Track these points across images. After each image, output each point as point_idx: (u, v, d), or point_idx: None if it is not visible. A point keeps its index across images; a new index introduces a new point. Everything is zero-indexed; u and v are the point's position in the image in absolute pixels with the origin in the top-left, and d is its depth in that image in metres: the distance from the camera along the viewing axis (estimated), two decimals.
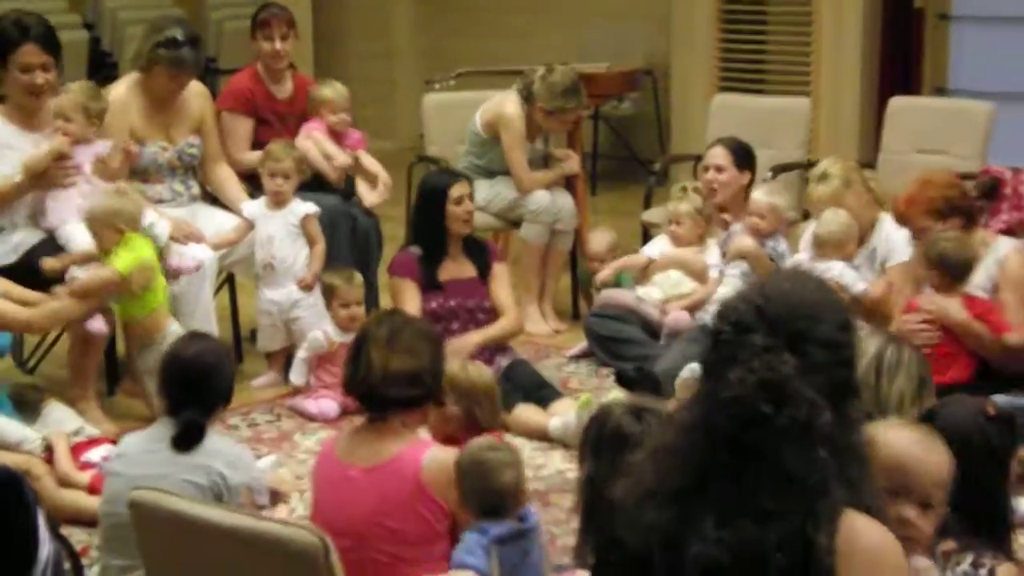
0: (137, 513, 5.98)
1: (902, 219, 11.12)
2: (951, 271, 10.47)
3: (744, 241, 11.91)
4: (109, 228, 10.58)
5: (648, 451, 4.89)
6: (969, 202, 11.09)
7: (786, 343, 4.50)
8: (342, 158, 12.79)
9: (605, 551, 4.93)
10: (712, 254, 12.46)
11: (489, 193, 13.27)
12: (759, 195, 12.26)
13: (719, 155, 12.68)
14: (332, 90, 13.11)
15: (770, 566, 4.30)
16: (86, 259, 10.83)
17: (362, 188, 13.08)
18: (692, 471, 4.51)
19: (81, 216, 11.11)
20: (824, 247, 11.45)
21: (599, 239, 12.73)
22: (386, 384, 7.01)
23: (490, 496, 6.85)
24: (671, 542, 4.40)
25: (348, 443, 7.24)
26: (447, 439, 7.58)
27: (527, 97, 13.45)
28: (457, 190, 11.65)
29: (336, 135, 12.90)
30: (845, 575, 4.37)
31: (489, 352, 11.43)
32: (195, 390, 7.72)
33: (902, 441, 5.41)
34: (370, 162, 13.13)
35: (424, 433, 7.50)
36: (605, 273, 12.58)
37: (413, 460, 6.88)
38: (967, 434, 6.04)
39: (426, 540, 6.93)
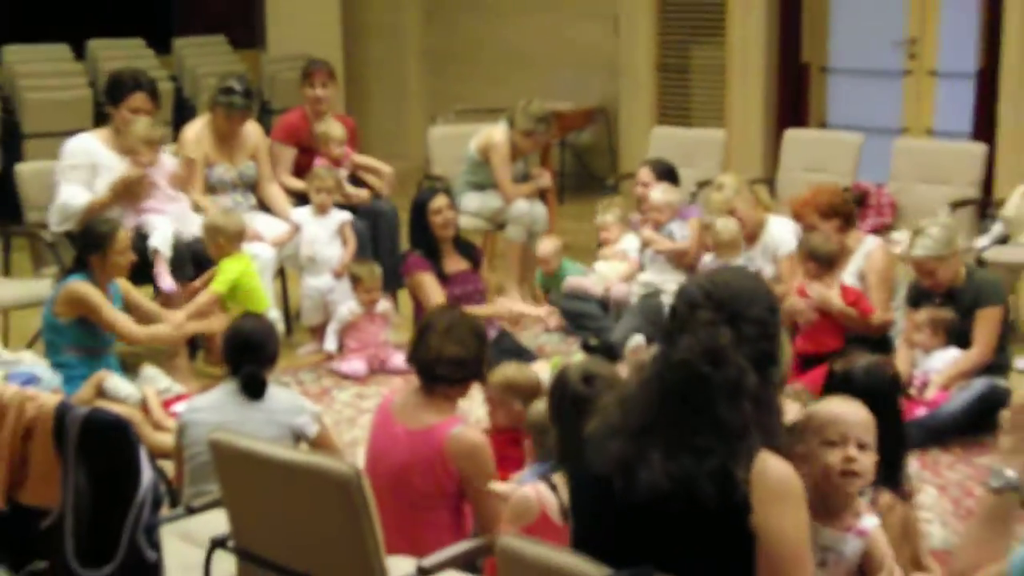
0: (216, 451, 6.04)
1: (797, 217, 11.48)
2: (819, 261, 10.71)
3: (645, 233, 12.29)
4: (212, 241, 10.93)
5: (615, 397, 5.02)
6: (848, 207, 11.19)
7: (725, 319, 4.72)
8: (361, 195, 13.07)
9: (577, 478, 5.03)
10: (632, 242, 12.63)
11: (481, 202, 13.32)
12: (656, 195, 12.45)
13: (644, 174, 12.91)
14: (332, 127, 13.16)
15: (700, 492, 4.43)
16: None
17: (373, 182, 13.28)
18: (647, 415, 4.67)
19: (175, 219, 11.47)
20: (722, 248, 11.61)
21: (546, 245, 12.79)
22: (439, 364, 7.10)
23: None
24: (628, 469, 4.55)
25: (402, 404, 7.25)
26: (512, 433, 7.72)
27: (511, 123, 13.48)
28: (435, 203, 11.73)
29: (337, 161, 12.96)
30: (756, 501, 4.46)
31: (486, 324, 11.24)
32: (250, 354, 7.81)
33: (835, 404, 5.73)
34: (367, 161, 13.39)
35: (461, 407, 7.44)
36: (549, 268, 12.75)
37: (442, 433, 6.89)
38: (879, 385, 6.63)
39: (437, 496, 6.94)
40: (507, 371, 7.65)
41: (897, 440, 6.67)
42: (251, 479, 5.91)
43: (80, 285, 9.77)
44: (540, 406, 7.64)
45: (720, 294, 4.76)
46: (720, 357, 4.57)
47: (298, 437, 7.55)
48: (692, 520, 4.46)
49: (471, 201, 13.32)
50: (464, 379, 7.21)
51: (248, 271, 11.12)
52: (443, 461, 6.82)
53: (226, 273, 10.97)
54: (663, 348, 4.80)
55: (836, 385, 6.94)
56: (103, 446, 5.92)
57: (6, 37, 16.32)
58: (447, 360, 7.07)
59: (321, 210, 12.18)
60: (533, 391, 7.46)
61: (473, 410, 9.22)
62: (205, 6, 18.36)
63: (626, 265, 12.40)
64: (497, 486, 6.72)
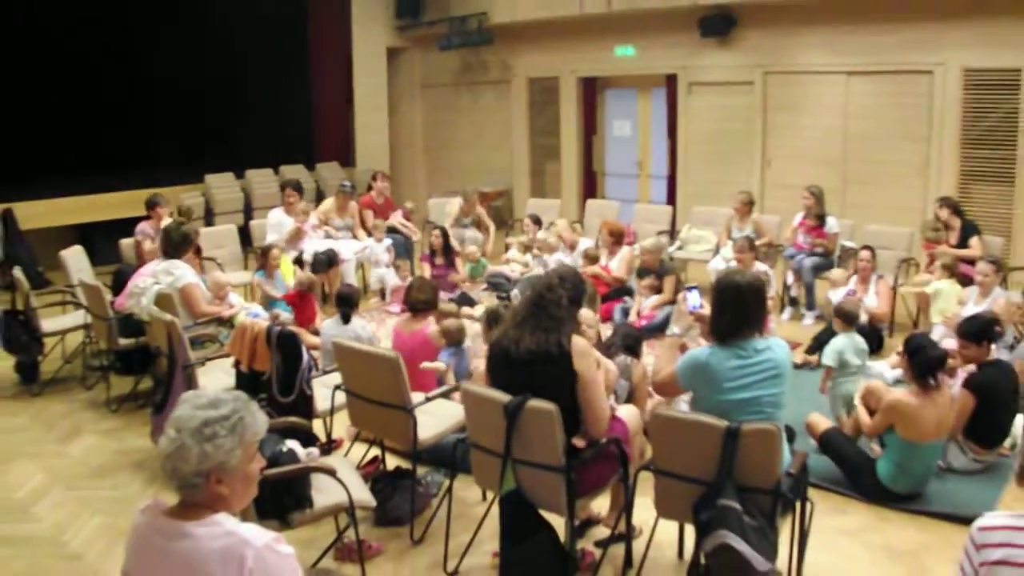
0: (335, 346, 6.13)
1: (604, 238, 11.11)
2: (605, 248, 10.38)
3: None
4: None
5: (509, 313, 5.10)
6: (620, 231, 11.17)
7: (561, 283, 4.81)
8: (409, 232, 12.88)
9: (492, 352, 4.88)
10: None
11: (457, 235, 12.65)
12: (540, 235, 12.17)
13: (527, 221, 12.53)
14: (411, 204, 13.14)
15: (549, 350, 4.61)
16: None
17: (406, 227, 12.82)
18: (523, 315, 4.76)
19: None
20: (546, 249, 11.48)
21: (469, 251, 12.40)
22: (417, 303, 7.18)
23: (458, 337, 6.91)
24: (515, 343, 4.64)
25: (404, 322, 7.36)
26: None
27: (463, 198, 13.21)
28: (435, 234, 11.73)
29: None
30: (573, 356, 4.62)
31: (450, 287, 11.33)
32: (345, 303, 7.86)
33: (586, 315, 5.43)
34: (401, 219, 12.94)
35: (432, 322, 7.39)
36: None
37: (424, 331, 6.99)
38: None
39: (427, 359, 6.87)
40: (447, 322, 7.31)
41: (636, 339, 6.80)
42: (349, 358, 6.00)
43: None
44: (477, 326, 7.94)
45: (562, 275, 4.88)
46: (553, 291, 4.73)
47: (360, 340, 7.34)
48: (547, 365, 4.59)
49: (453, 235, 12.36)
50: (426, 310, 7.34)
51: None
52: (428, 343, 7.03)
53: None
54: (537, 286, 4.90)
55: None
56: (285, 343, 6.10)
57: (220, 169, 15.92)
58: (419, 301, 7.26)
59: (378, 239, 11.94)
60: (458, 331, 7.26)
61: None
62: (329, 147, 18.18)
63: (523, 266, 11.92)
64: (426, 364, 6.88)
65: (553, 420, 4.50)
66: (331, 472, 4.81)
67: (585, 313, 5.88)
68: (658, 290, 10.10)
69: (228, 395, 2.87)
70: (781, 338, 4.86)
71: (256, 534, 2.76)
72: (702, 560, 4.56)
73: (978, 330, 6.69)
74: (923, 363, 6.03)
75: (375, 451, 6.64)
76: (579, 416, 4.76)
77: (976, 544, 3.00)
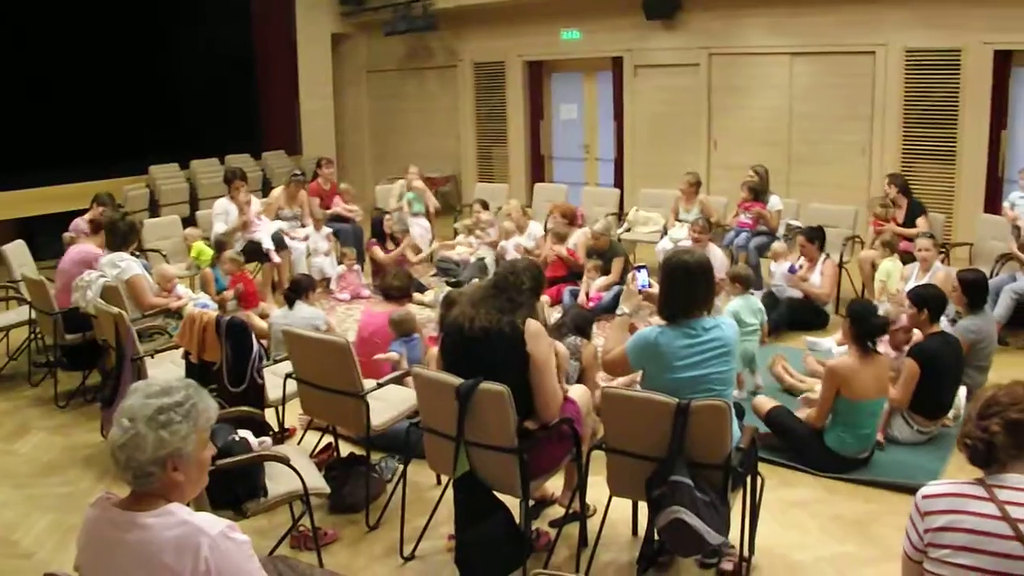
0: (285, 334, 6.07)
1: (551, 216, 11.15)
2: (560, 237, 10.73)
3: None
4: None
5: (466, 295, 5.20)
6: (572, 213, 11.19)
7: (524, 270, 4.88)
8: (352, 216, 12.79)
9: (447, 331, 4.91)
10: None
11: (400, 220, 12.33)
12: (485, 216, 12.18)
13: (477, 205, 12.35)
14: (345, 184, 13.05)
15: (502, 330, 4.62)
16: None
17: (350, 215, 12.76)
18: (479, 296, 4.80)
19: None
20: (510, 234, 11.37)
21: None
22: (388, 289, 7.31)
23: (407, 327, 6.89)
24: (470, 321, 4.65)
25: (372, 307, 7.59)
26: None
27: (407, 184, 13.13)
28: (386, 219, 11.60)
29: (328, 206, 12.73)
30: (527, 337, 4.62)
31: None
32: (292, 290, 7.92)
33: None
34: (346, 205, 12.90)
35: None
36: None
37: (386, 316, 6.94)
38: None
39: (386, 343, 6.90)
40: (395, 312, 7.20)
41: (586, 320, 6.87)
42: (299, 346, 5.96)
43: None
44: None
45: (518, 265, 4.95)
46: (516, 275, 4.77)
47: (317, 328, 7.40)
48: (499, 343, 4.60)
49: (398, 222, 12.12)
50: (401, 297, 7.35)
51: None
52: (385, 328, 7.00)
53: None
54: (498, 272, 5.00)
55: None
56: (235, 333, 6.13)
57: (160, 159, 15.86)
58: (391, 287, 7.28)
59: (317, 228, 11.85)
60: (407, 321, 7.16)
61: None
62: (275, 134, 18.08)
63: (468, 247, 11.93)
64: (378, 356, 6.82)
65: (505, 402, 4.51)
66: (284, 460, 4.77)
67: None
68: (606, 271, 10.16)
69: (179, 382, 2.88)
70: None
71: (211, 522, 2.77)
72: (655, 536, 4.61)
73: (929, 296, 6.88)
74: (863, 329, 6.26)
75: (328, 439, 6.62)
76: (531, 397, 4.77)
77: (921, 511, 3.09)
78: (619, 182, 15.40)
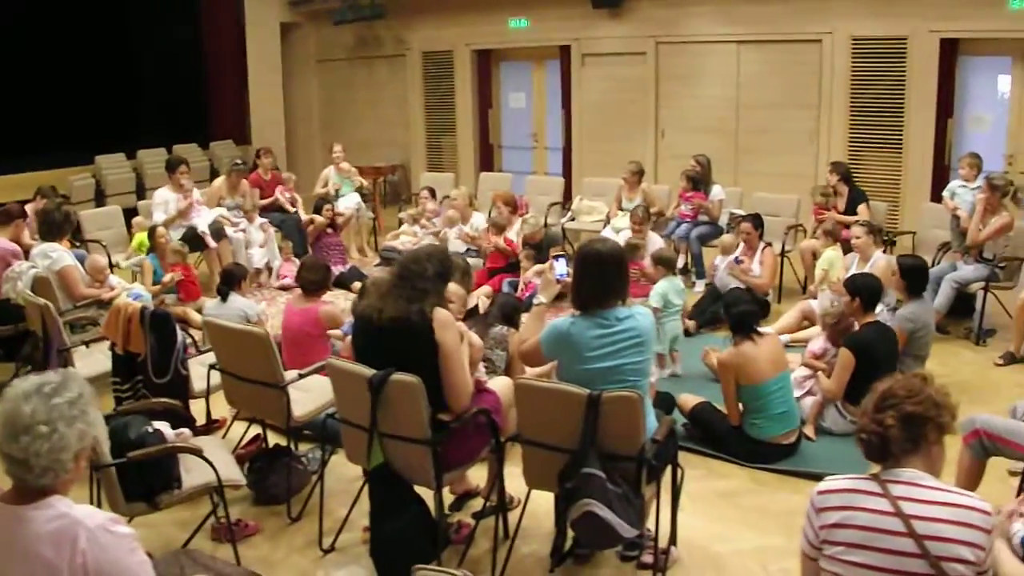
0: (207, 325, 6.19)
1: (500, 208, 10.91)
2: (498, 227, 10.64)
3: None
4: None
5: (374, 285, 5.01)
6: (513, 201, 11.02)
7: (428, 257, 4.76)
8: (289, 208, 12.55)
9: (357, 322, 4.87)
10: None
11: (351, 202, 12.76)
12: (431, 205, 12.22)
13: (424, 193, 12.39)
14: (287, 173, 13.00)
15: (411, 320, 4.54)
16: None
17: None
18: (388, 286, 4.70)
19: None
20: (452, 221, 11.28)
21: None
22: (307, 283, 7.02)
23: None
24: (378, 312, 4.60)
25: (295, 301, 7.15)
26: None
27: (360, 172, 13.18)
28: (324, 208, 11.52)
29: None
30: (435, 327, 4.56)
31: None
32: (224, 281, 7.76)
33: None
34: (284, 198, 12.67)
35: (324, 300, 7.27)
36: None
37: (316, 309, 6.84)
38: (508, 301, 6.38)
39: (316, 337, 6.85)
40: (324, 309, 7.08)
41: (514, 309, 6.81)
42: (221, 337, 5.94)
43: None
44: None
45: (429, 252, 4.88)
46: (419, 263, 4.68)
47: (249, 319, 7.36)
48: (408, 333, 4.54)
49: (344, 202, 12.61)
50: (319, 290, 7.17)
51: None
52: (317, 320, 6.83)
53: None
54: (406, 257, 4.91)
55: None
56: (159, 324, 6.07)
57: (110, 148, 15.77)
58: (310, 281, 7.12)
59: (251, 219, 11.68)
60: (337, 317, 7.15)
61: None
62: (223, 124, 17.98)
63: (413, 237, 11.80)
64: (333, 332, 6.86)
65: (417, 393, 4.47)
66: (197, 452, 4.74)
67: (452, 287, 5.86)
68: (540, 261, 10.04)
69: (53, 376, 2.83)
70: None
71: (90, 515, 2.75)
72: (568, 529, 4.57)
73: (862, 285, 6.92)
74: (737, 318, 6.41)
75: (257, 429, 6.57)
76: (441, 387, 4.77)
77: (816, 508, 3.08)
78: (567, 171, 15.40)
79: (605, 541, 4.40)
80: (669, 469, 4.83)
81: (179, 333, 6.30)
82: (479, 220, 11.39)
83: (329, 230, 11.87)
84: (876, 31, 12.22)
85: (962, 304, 9.01)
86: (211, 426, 6.79)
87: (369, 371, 4.64)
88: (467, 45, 16.49)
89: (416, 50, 17.24)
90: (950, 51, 11.85)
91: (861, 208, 10.18)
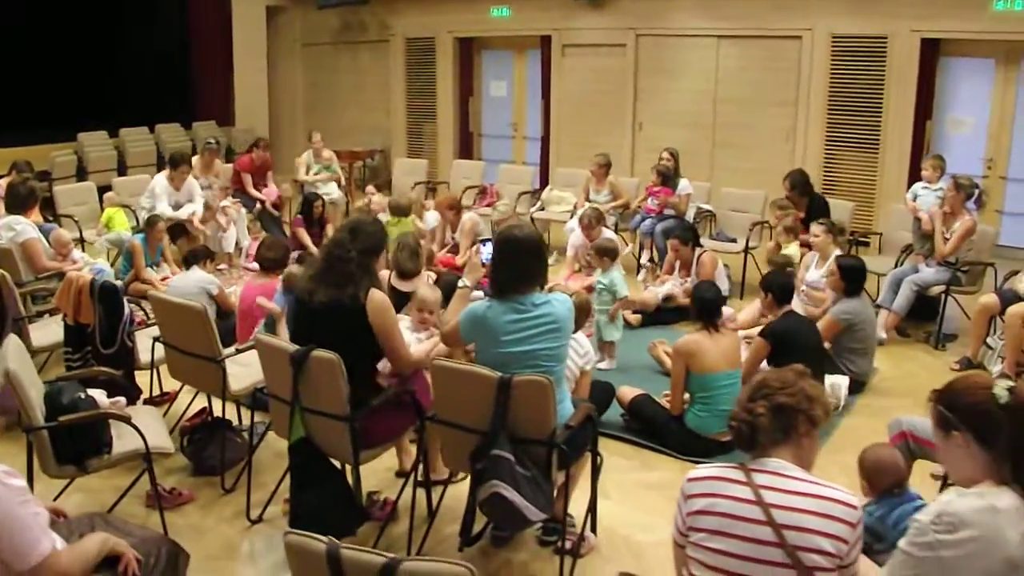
0: (151, 299, 6.30)
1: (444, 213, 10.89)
2: (456, 208, 10.75)
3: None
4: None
5: (307, 268, 5.28)
6: (455, 201, 11.03)
7: (352, 237, 4.85)
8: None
9: (294, 303, 5.01)
10: None
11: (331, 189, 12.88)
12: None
13: (371, 189, 12.21)
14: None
15: (343, 302, 4.69)
16: None
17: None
18: (319, 269, 4.86)
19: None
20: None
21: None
22: (265, 260, 7.17)
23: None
24: (310, 295, 4.75)
25: (254, 279, 7.35)
26: None
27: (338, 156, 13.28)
28: (316, 202, 11.34)
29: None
30: (369, 310, 4.73)
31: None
32: (190, 256, 7.98)
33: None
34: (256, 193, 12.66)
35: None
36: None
37: (273, 286, 6.90)
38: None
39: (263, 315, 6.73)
40: (289, 269, 7.14)
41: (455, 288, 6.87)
42: (164, 310, 6.07)
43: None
44: None
45: (353, 224, 5.01)
46: (341, 247, 4.80)
47: (208, 293, 7.58)
48: (340, 316, 4.68)
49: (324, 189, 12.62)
50: (275, 268, 7.27)
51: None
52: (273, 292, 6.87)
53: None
54: (334, 236, 5.05)
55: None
56: (107, 296, 6.26)
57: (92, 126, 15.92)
58: (266, 258, 7.24)
59: (222, 198, 11.64)
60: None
61: None
62: (208, 105, 18.04)
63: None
64: (261, 300, 6.73)
65: (336, 370, 4.58)
66: (126, 419, 4.92)
67: (424, 294, 5.93)
68: None
69: None
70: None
71: None
72: (477, 509, 4.61)
73: (774, 282, 7.08)
74: (701, 306, 6.49)
75: (204, 401, 6.64)
76: (371, 369, 4.92)
77: (685, 495, 3.10)
78: (545, 161, 15.53)
79: (513, 523, 4.47)
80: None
81: (126, 306, 6.48)
82: (432, 218, 11.28)
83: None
84: (856, 29, 12.29)
85: (925, 308, 8.99)
86: (163, 398, 6.99)
87: (292, 347, 4.76)
88: (449, 32, 16.58)
89: (399, 36, 17.32)
90: (931, 52, 11.92)
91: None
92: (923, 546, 2.66)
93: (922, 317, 9.07)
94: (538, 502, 4.33)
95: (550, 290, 5.18)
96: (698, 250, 9.55)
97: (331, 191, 12.98)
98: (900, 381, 7.84)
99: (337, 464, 4.97)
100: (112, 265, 9.65)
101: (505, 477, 4.27)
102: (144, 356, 6.53)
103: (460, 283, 5.28)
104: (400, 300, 6.49)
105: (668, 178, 11.15)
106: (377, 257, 5.02)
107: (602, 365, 7.81)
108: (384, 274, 6.50)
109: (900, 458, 4.19)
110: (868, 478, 4.20)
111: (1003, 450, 2.71)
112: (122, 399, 5.36)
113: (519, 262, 4.66)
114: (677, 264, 9.66)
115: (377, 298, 4.79)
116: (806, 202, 10.24)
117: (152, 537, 3.86)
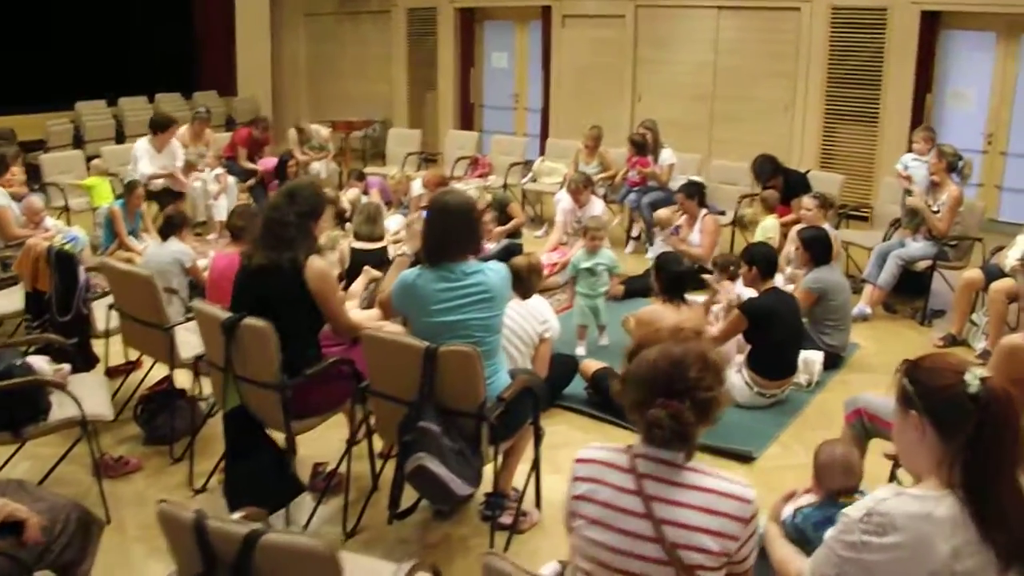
0: (102, 267, 6.20)
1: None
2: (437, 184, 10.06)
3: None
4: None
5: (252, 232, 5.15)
6: (441, 177, 10.78)
7: (290, 200, 4.75)
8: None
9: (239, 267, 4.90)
10: None
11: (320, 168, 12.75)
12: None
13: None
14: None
15: (282, 268, 4.62)
16: None
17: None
18: (256, 234, 4.82)
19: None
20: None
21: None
22: (234, 228, 6.87)
23: None
24: (249, 258, 4.75)
25: (224, 245, 7.54)
26: None
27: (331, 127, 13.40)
28: (291, 161, 11.38)
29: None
30: (308, 277, 4.65)
31: None
32: (168, 227, 7.74)
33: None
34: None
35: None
36: None
37: (234, 256, 6.61)
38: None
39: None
40: None
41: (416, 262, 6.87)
42: (117, 278, 6.07)
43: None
44: None
45: (291, 187, 4.98)
46: (279, 210, 4.72)
47: (182, 264, 7.47)
48: (277, 280, 4.62)
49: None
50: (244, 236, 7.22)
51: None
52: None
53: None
54: (263, 208, 5.06)
55: None
56: (63, 264, 6.28)
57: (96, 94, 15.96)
58: (234, 227, 7.16)
59: (211, 166, 11.57)
60: None
61: None
62: (210, 75, 18.04)
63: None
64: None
65: (267, 338, 4.54)
66: (60, 386, 4.95)
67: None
68: (502, 222, 10.10)
69: None
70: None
71: None
72: (404, 482, 4.51)
73: (757, 254, 6.98)
74: (667, 279, 6.50)
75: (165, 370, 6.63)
76: (310, 334, 4.86)
77: (573, 476, 2.85)
78: (544, 132, 15.44)
79: (439, 497, 4.39)
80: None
81: (83, 273, 6.47)
82: (417, 191, 10.98)
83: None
84: (856, 0, 12.16)
85: (914, 283, 8.86)
86: (129, 367, 6.98)
87: (224, 314, 4.73)
88: (451, 2, 16.51)
89: (401, 6, 17.27)
90: (932, 24, 11.77)
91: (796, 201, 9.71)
92: (848, 545, 2.49)
93: (911, 292, 8.94)
94: (465, 476, 4.26)
95: (531, 258, 5.13)
96: (702, 211, 9.54)
97: (320, 169, 12.87)
98: (880, 357, 7.71)
99: (275, 435, 4.94)
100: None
101: (431, 450, 4.20)
102: (102, 324, 6.55)
103: (397, 251, 5.23)
104: (358, 260, 6.42)
105: (642, 147, 11.10)
106: (316, 221, 4.89)
107: (602, 342, 7.82)
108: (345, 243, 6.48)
109: (856, 461, 3.94)
110: (816, 476, 4.00)
111: (959, 445, 2.45)
112: (66, 366, 5.34)
113: (450, 229, 4.56)
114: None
115: (317, 264, 4.73)
116: (781, 180, 10.06)
117: (62, 504, 3.81)
